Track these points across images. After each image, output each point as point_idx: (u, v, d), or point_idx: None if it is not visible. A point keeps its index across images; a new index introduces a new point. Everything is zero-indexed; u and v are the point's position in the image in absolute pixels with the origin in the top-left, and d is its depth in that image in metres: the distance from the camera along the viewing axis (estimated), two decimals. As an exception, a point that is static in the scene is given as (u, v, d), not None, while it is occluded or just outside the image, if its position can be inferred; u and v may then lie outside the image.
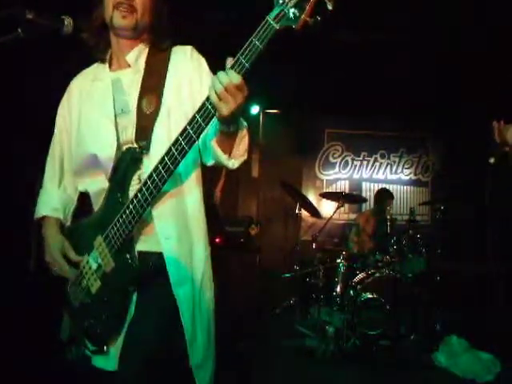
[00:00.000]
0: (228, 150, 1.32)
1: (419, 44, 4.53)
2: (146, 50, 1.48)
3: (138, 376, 1.31)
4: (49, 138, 1.62)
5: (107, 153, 1.40)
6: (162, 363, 1.34)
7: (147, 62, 1.46)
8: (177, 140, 1.24)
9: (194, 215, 1.46)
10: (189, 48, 1.50)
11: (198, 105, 1.22)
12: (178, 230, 1.40)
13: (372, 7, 3.99)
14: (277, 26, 1.13)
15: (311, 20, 1.13)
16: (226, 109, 1.16)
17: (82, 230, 1.49)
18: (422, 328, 3.74)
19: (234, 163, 1.35)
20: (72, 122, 1.53)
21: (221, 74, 1.15)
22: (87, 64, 1.59)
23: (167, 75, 1.44)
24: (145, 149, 1.37)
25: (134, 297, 1.40)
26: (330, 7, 1.11)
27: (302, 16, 1.12)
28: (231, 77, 1.14)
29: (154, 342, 1.34)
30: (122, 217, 1.33)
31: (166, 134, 1.38)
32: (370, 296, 3.72)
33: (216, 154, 1.33)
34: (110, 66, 1.50)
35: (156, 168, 1.27)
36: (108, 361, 1.40)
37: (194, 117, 1.22)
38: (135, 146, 1.38)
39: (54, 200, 1.56)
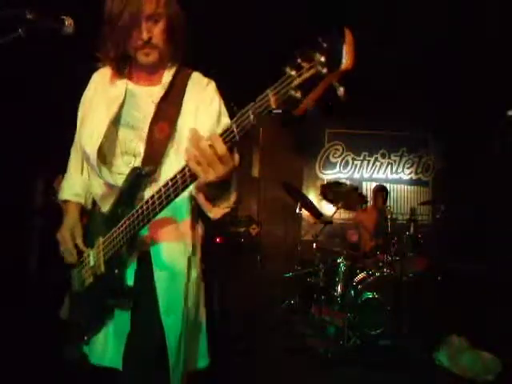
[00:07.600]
0: (212, 199, 1.26)
1: (419, 43, 4.53)
2: (171, 71, 1.46)
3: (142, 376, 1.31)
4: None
5: (91, 149, 1.39)
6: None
7: (169, 86, 1.44)
8: (159, 190, 1.20)
9: (189, 241, 1.45)
10: (206, 80, 1.49)
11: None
12: (171, 258, 1.39)
13: (371, 7, 4.00)
14: (273, 106, 0.96)
15: (313, 107, 0.98)
16: (205, 177, 1.08)
17: (95, 220, 1.51)
18: (423, 327, 3.74)
19: (215, 214, 1.28)
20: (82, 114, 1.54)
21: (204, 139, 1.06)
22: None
23: (183, 102, 1.43)
24: (151, 173, 1.35)
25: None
26: (340, 94, 0.95)
27: (304, 101, 0.95)
28: (216, 145, 1.04)
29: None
30: (117, 230, 1.33)
31: (177, 159, 1.36)
32: (371, 296, 3.72)
33: (198, 199, 1.29)
34: (129, 76, 1.48)
35: (151, 197, 1.23)
36: (107, 356, 1.39)
37: (174, 177, 1.15)
38: (140, 166, 1.37)
39: (76, 185, 1.58)
